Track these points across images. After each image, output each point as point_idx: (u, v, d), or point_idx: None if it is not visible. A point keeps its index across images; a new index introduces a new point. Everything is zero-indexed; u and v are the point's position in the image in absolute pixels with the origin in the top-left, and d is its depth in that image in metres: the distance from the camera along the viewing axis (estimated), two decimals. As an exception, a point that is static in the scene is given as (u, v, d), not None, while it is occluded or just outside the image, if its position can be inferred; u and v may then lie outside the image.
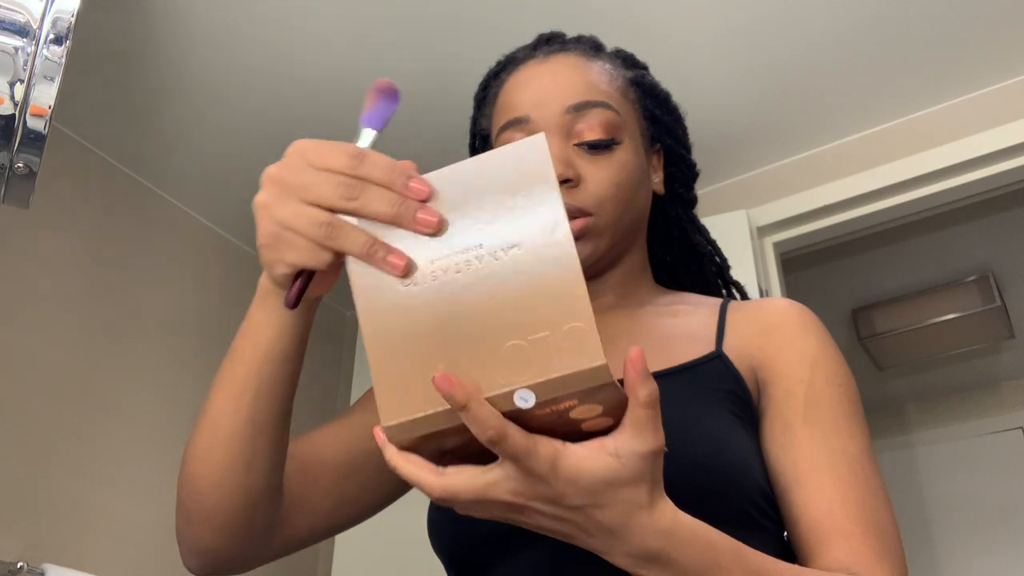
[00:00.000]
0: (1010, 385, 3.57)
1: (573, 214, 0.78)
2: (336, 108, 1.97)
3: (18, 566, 1.58)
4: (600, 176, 0.79)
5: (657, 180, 0.89)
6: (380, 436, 0.52)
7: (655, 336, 0.81)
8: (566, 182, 0.78)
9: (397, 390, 0.50)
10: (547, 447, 0.49)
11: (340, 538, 2.22)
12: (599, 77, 0.84)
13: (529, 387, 0.48)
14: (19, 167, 0.98)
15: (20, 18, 0.96)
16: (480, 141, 0.93)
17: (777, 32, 1.82)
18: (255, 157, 2.11)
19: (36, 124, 0.97)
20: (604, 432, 0.51)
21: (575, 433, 0.51)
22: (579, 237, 0.78)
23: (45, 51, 0.97)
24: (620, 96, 0.84)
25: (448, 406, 0.49)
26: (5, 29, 0.95)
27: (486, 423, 0.48)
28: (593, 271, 0.84)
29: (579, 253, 0.64)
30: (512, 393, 0.49)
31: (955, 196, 2.04)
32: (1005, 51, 1.90)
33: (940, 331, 3.05)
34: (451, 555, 0.76)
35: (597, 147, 0.80)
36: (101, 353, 1.95)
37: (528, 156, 0.50)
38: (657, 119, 0.89)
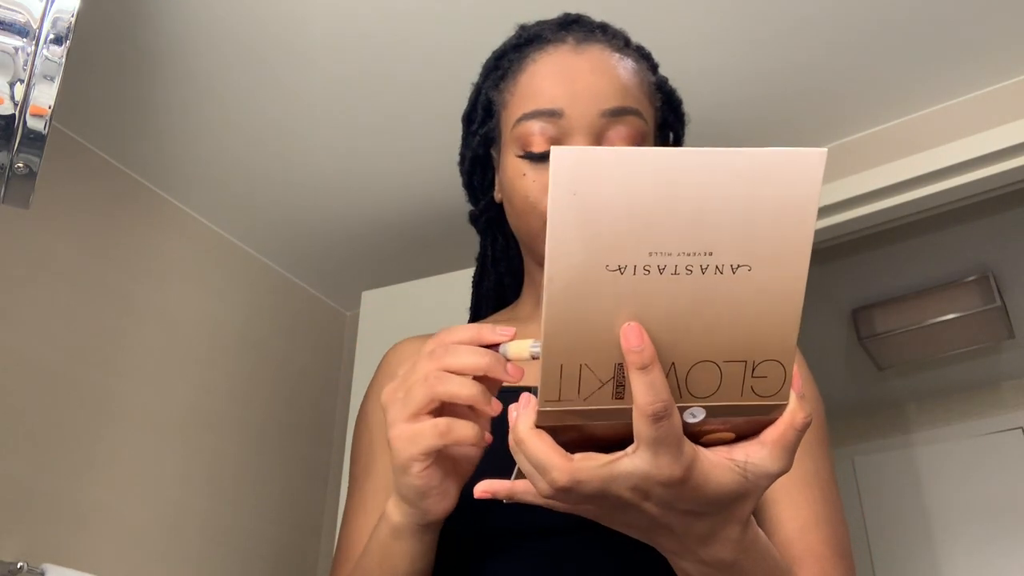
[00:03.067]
0: (1010, 385, 3.57)
1: None
2: (345, 101, 1.97)
3: (18, 566, 1.58)
4: None
5: None
6: (524, 400, 0.50)
7: None
8: None
9: (566, 373, 0.46)
10: (690, 445, 0.47)
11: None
12: (632, 79, 0.81)
13: (706, 407, 0.47)
14: (19, 167, 0.98)
15: (20, 18, 0.96)
16: (483, 113, 0.88)
17: (776, 32, 1.82)
18: (256, 157, 2.11)
19: (36, 124, 0.97)
20: (722, 441, 0.49)
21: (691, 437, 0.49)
22: None
23: (45, 51, 0.97)
24: (648, 102, 0.83)
25: (615, 406, 0.47)
26: (5, 29, 0.95)
27: (660, 393, 0.45)
28: None
29: None
30: (687, 408, 0.47)
31: (955, 196, 2.04)
32: (1005, 51, 1.90)
33: (940, 331, 3.04)
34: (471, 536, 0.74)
35: None
36: (101, 353, 1.95)
37: (799, 175, 0.44)
38: (668, 126, 0.88)
